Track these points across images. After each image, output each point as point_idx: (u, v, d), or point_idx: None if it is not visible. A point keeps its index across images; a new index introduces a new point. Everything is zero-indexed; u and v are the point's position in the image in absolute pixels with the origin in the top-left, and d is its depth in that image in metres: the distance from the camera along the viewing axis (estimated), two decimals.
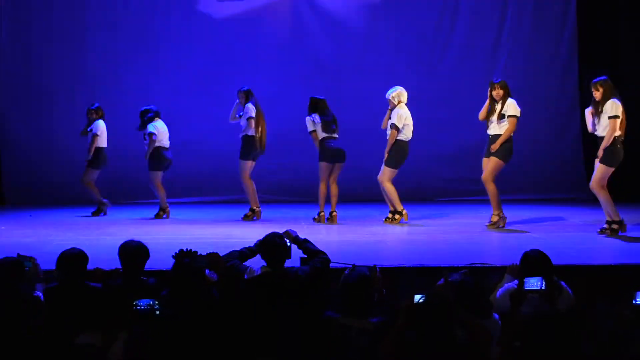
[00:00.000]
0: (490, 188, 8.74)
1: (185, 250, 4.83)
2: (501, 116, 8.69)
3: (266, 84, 11.48)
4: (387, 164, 9.30)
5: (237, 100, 9.95)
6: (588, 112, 8.28)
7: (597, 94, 8.07)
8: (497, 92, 8.74)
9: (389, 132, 9.30)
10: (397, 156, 9.28)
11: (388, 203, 9.41)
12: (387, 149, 9.27)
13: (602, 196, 8.09)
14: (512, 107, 8.71)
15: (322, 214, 9.51)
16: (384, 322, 4.68)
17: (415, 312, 4.20)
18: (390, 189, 9.31)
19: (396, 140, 9.23)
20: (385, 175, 9.31)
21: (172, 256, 4.82)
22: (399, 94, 9.32)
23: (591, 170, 8.48)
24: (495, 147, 8.67)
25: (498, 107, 8.74)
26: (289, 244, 5.39)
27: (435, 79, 12.21)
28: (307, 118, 9.58)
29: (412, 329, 4.16)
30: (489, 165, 8.75)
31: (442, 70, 12.27)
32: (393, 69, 11.73)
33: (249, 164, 9.88)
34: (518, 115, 8.71)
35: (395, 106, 9.28)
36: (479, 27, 12.24)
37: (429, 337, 4.10)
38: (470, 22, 12.25)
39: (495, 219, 8.79)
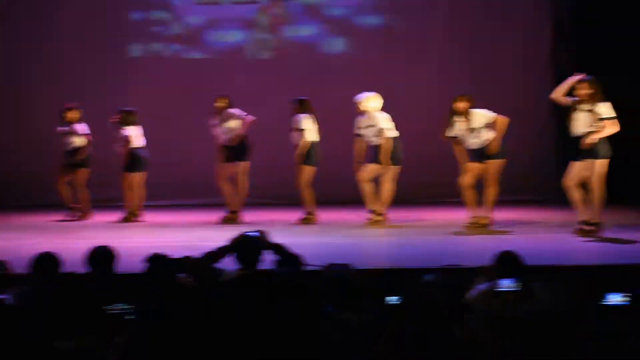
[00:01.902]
0: (497, 191, 8.80)
1: (157, 254, 4.81)
2: (472, 130, 8.75)
3: (242, 86, 11.46)
4: (394, 164, 9.35)
5: None
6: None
7: (587, 93, 8.08)
8: (458, 105, 8.79)
9: (375, 138, 9.31)
10: (398, 153, 9.35)
11: (370, 203, 9.44)
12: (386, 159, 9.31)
13: (600, 194, 8.12)
14: (483, 117, 8.76)
15: (314, 215, 9.64)
16: (382, 316, 4.71)
17: (409, 312, 4.21)
18: (390, 190, 9.34)
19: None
20: (391, 175, 9.34)
21: (144, 260, 4.80)
22: (369, 99, 9.38)
23: (564, 171, 8.53)
24: (494, 149, 8.71)
25: (464, 123, 8.77)
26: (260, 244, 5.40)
27: (408, 83, 12.24)
28: (305, 116, 9.59)
29: (408, 330, 4.17)
30: (494, 167, 8.79)
31: (417, 76, 12.30)
32: (373, 74, 11.73)
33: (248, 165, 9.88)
34: (493, 114, 8.80)
35: (364, 112, 9.34)
36: (454, 31, 12.28)
37: (425, 337, 4.10)
38: (444, 26, 12.28)
39: (486, 221, 8.85)
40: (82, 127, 10.34)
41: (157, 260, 4.82)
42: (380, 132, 9.31)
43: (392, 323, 4.30)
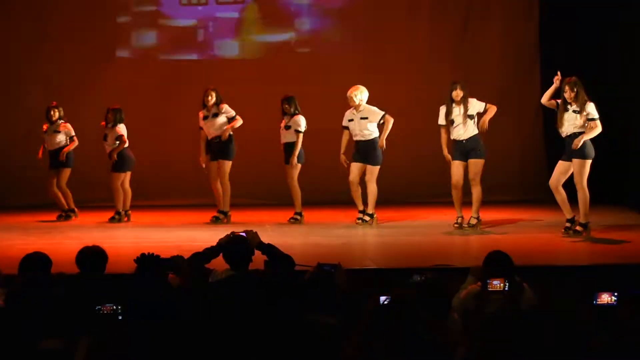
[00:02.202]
0: (480, 190, 8.84)
1: (147, 254, 4.79)
2: (470, 117, 8.81)
3: (229, 85, 11.44)
4: (378, 164, 9.38)
5: None
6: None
7: (572, 95, 8.17)
8: (457, 93, 8.83)
9: (363, 132, 9.35)
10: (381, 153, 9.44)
11: (360, 203, 9.44)
12: (383, 141, 9.35)
13: (585, 194, 8.18)
14: (478, 104, 8.85)
15: (302, 215, 9.71)
16: (349, 319, 4.73)
17: (379, 313, 4.22)
18: (375, 190, 9.39)
19: (375, 138, 9.34)
20: (375, 175, 9.38)
21: (134, 260, 4.79)
22: (362, 92, 9.40)
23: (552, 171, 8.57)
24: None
25: (460, 109, 8.82)
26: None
27: (401, 81, 12.25)
28: (301, 117, 9.60)
29: (375, 331, 4.18)
30: (478, 167, 8.85)
31: (404, 74, 12.31)
32: (362, 71, 11.73)
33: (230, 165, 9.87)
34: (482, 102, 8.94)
35: (357, 105, 9.35)
36: (440, 30, 12.30)
37: (392, 339, 4.12)
38: (432, 25, 12.30)
39: (475, 222, 8.89)
40: (69, 126, 10.29)
41: (146, 261, 4.80)
42: (383, 117, 9.33)
43: (360, 326, 4.32)
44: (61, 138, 10.26)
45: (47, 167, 10.38)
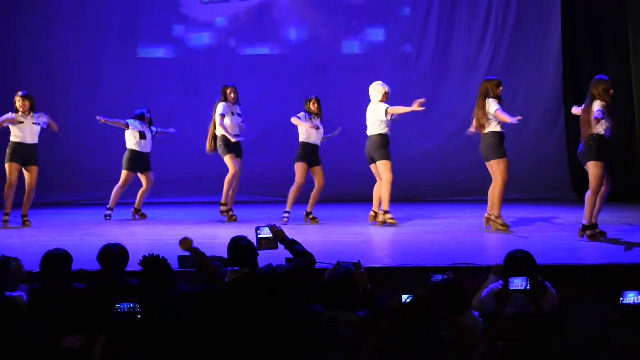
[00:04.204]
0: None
1: (149, 255, 4.78)
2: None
3: (247, 83, 11.46)
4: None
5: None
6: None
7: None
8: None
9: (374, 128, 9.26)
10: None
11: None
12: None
13: None
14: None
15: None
16: (371, 316, 4.73)
17: (400, 313, 4.21)
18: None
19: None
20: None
21: (139, 263, 4.78)
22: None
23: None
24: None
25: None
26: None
27: (424, 78, 12.24)
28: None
29: (396, 330, 4.17)
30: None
31: (430, 71, 12.30)
32: (382, 69, 11.72)
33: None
34: None
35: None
36: (463, 27, 12.28)
37: (413, 338, 4.11)
38: (455, 22, 12.28)
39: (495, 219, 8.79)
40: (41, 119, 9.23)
41: (150, 263, 4.80)
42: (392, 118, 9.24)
43: (380, 326, 4.31)
44: (35, 131, 9.16)
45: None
